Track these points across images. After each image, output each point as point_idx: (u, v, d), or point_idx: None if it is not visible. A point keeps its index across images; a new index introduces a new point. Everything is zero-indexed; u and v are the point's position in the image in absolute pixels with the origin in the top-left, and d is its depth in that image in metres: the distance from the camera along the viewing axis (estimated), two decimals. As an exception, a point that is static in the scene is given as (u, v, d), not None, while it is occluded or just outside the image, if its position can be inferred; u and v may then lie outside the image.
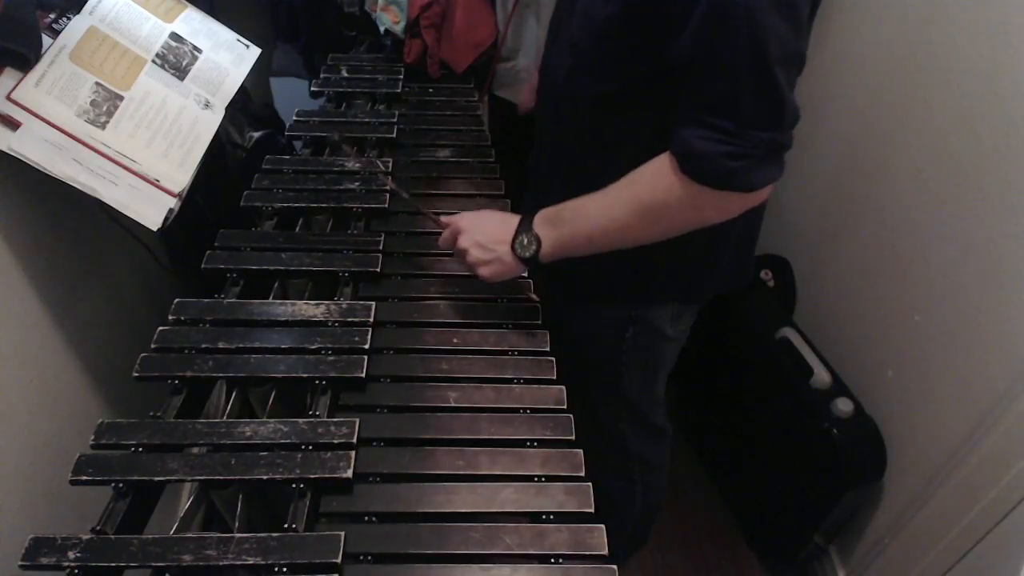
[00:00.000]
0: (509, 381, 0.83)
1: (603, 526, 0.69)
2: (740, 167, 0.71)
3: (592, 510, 0.71)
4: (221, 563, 0.64)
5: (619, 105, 0.83)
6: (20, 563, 0.63)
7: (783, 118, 0.71)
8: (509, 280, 0.94)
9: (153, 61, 1.01)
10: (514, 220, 0.86)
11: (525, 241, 0.84)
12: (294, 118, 1.24)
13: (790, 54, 0.68)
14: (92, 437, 0.73)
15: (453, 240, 0.88)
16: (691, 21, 0.68)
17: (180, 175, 0.96)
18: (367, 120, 1.24)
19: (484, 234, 0.86)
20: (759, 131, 0.70)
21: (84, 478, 0.70)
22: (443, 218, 0.92)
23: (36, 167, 0.83)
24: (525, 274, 0.92)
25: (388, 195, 1.07)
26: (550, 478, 0.73)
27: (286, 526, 0.67)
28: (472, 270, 0.87)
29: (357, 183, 1.09)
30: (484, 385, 0.82)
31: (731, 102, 0.69)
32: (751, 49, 0.66)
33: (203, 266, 0.94)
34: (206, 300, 0.88)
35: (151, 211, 0.91)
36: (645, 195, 0.77)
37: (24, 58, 0.85)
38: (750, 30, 0.65)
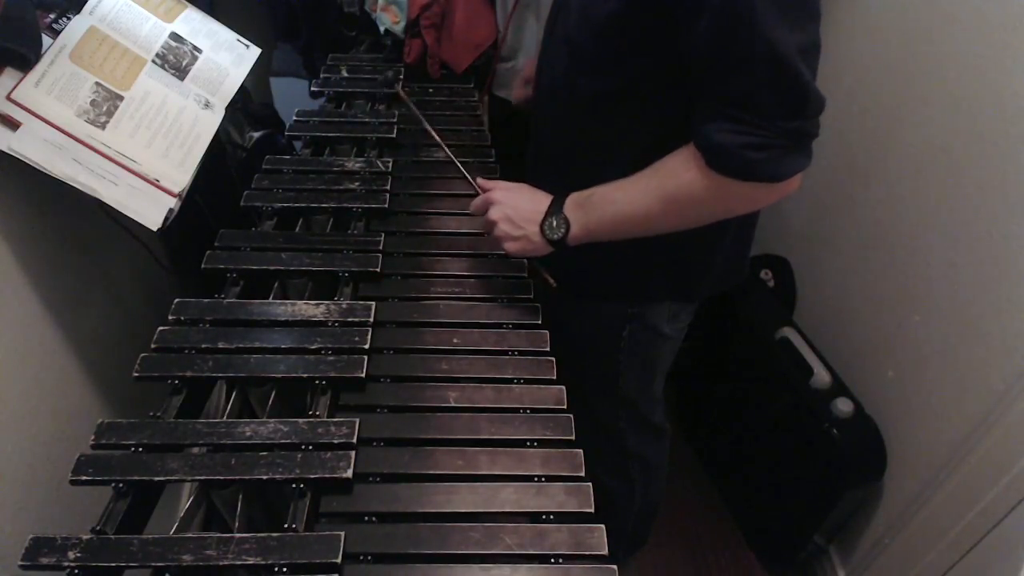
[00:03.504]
0: (509, 381, 0.83)
1: (603, 526, 0.69)
2: (764, 158, 0.71)
3: (592, 510, 0.71)
4: (221, 563, 0.63)
5: (617, 102, 0.83)
6: (20, 563, 0.63)
7: (806, 106, 0.70)
8: (510, 279, 0.94)
9: (153, 61, 1.01)
10: (545, 200, 0.87)
11: (555, 223, 0.84)
12: (294, 118, 1.24)
13: (803, 42, 0.68)
14: (92, 437, 0.73)
15: (484, 208, 0.89)
16: (701, 16, 0.67)
17: (180, 175, 0.96)
18: (367, 120, 1.24)
19: (516, 210, 0.87)
20: (782, 120, 0.70)
21: (84, 478, 0.69)
22: (480, 181, 0.93)
23: (36, 167, 0.83)
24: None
25: (388, 195, 1.07)
26: (550, 478, 0.73)
27: (286, 526, 0.67)
28: (497, 243, 0.89)
29: (357, 183, 1.09)
30: (484, 385, 0.82)
31: (750, 94, 0.69)
32: (762, 41, 0.66)
33: (203, 266, 0.94)
34: (206, 300, 0.88)
35: (151, 211, 0.91)
36: (671, 186, 0.78)
37: (24, 58, 0.85)
38: (757, 23, 0.65)
